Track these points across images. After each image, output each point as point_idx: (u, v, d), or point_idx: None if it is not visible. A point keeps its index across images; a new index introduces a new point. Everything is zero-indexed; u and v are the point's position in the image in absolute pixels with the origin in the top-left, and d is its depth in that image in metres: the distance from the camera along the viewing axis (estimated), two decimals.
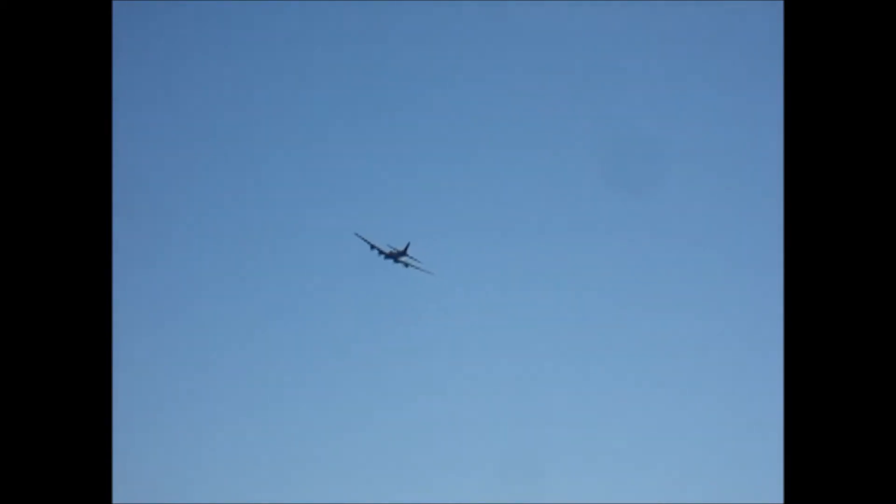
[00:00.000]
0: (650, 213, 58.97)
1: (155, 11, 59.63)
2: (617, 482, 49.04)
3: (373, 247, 52.43)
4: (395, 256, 51.56)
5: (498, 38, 62.46)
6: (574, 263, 58.52)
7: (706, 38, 61.11)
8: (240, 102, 61.51)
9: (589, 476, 49.61)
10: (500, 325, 56.70)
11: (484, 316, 57.02)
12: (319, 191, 60.45)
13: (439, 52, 63.14)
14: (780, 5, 26.07)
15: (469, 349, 55.68)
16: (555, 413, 52.51)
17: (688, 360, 53.89)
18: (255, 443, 51.30)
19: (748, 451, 48.92)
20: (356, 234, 52.96)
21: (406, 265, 51.77)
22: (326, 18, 63.17)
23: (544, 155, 60.07)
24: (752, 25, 59.20)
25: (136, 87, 59.28)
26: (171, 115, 60.69)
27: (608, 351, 55.00)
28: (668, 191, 58.79)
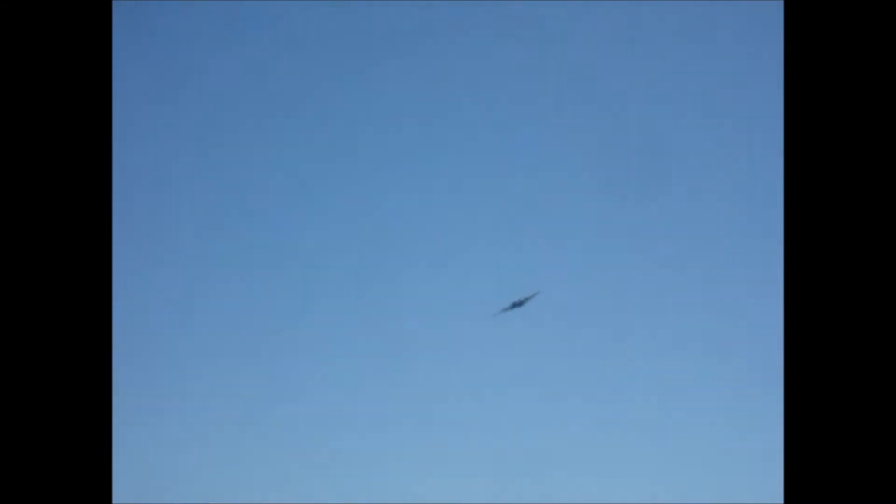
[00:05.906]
0: (648, 213, 58.99)
1: (155, 11, 59.63)
2: (617, 482, 48.97)
3: (514, 305, 49.29)
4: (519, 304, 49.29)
5: (497, 38, 62.49)
6: (572, 264, 58.54)
7: (706, 38, 61.18)
8: (241, 102, 61.53)
9: (589, 476, 49.53)
10: (498, 324, 56.67)
11: (482, 315, 57.03)
12: (321, 191, 60.49)
13: (437, 51, 63.19)
14: (781, 5, 26.09)
15: (469, 349, 55.70)
16: (554, 412, 52.49)
17: (688, 360, 53.86)
18: (255, 443, 51.25)
19: (748, 451, 48.87)
20: (502, 311, 50.00)
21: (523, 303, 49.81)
22: (329, 18, 63.20)
23: (542, 156, 60.17)
24: (752, 25, 59.25)
25: (136, 87, 59.25)
26: (171, 115, 60.69)
27: (608, 350, 54.98)
28: (666, 191, 58.83)
